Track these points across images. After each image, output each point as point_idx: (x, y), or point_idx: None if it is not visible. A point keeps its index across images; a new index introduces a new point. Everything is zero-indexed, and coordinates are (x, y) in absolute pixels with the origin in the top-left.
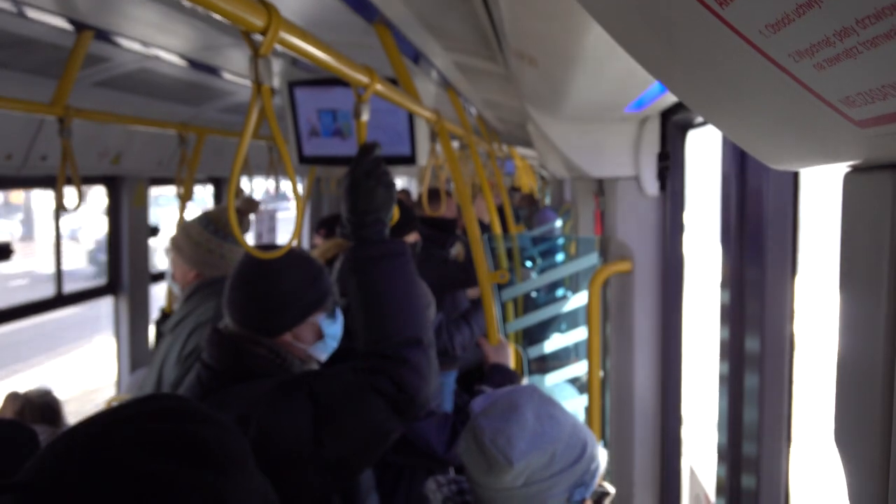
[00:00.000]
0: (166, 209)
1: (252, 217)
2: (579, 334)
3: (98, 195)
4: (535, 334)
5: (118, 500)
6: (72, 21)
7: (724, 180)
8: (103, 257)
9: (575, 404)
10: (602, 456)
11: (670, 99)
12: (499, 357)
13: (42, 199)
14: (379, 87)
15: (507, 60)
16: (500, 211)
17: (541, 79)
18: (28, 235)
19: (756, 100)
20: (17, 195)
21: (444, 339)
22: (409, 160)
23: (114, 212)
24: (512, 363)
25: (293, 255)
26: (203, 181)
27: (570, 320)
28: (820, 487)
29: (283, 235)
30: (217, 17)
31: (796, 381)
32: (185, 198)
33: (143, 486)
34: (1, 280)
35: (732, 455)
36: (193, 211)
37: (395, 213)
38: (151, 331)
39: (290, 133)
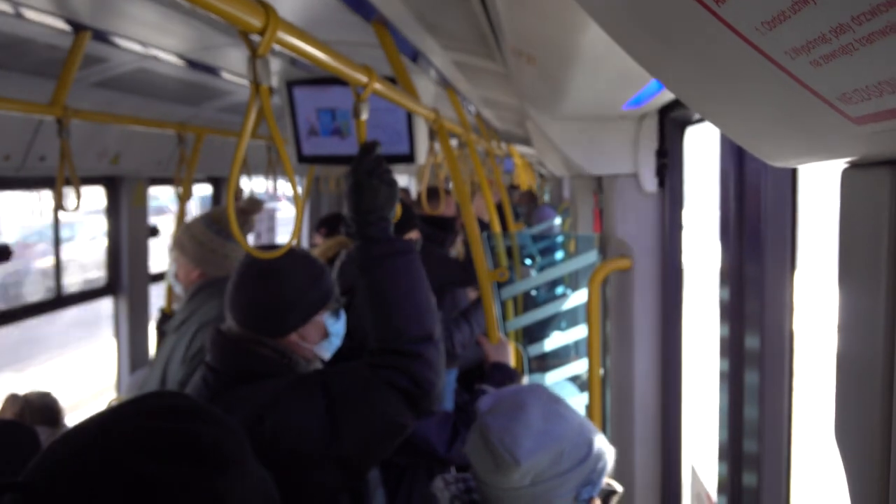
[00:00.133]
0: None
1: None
2: (579, 332)
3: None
4: (535, 332)
5: (114, 501)
6: (69, 21)
7: (723, 176)
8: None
9: (575, 402)
10: (609, 454)
11: (668, 96)
12: (499, 356)
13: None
14: (378, 86)
15: (506, 59)
16: (500, 209)
17: (539, 77)
18: None
19: (753, 97)
20: None
21: (443, 337)
22: (408, 159)
23: (113, 212)
24: (512, 361)
25: (295, 255)
26: (202, 181)
27: (570, 318)
28: (821, 484)
29: (282, 235)
30: (215, 16)
31: (797, 378)
32: (184, 197)
33: (139, 487)
34: None
35: (733, 452)
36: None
37: (398, 210)
38: (152, 331)
39: (289, 132)
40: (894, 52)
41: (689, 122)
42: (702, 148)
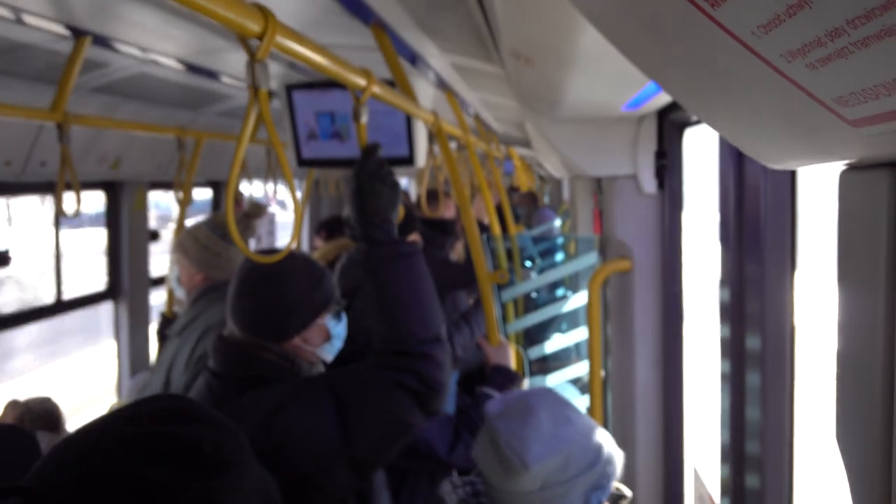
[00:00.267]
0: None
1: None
2: (580, 334)
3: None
4: (535, 335)
5: None
6: (69, 27)
7: (722, 178)
8: None
9: (576, 405)
10: (619, 458)
11: (667, 97)
12: (500, 358)
13: None
14: (376, 89)
15: (504, 61)
16: (499, 211)
17: (537, 79)
18: None
19: (750, 100)
20: None
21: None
22: (407, 162)
23: (113, 217)
24: (513, 364)
25: (296, 259)
26: (202, 185)
27: (571, 320)
28: (824, 485)
29: (282, 239)
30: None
31: (798, 379)
32: (184, 202)
33: (140, 491)
34: None
35: (735, 454)
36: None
37: (401, 211)
38: (152, 335)
39: (288, 136)
40: (890, 55)
41: (688, 123)
42: (701, 149)
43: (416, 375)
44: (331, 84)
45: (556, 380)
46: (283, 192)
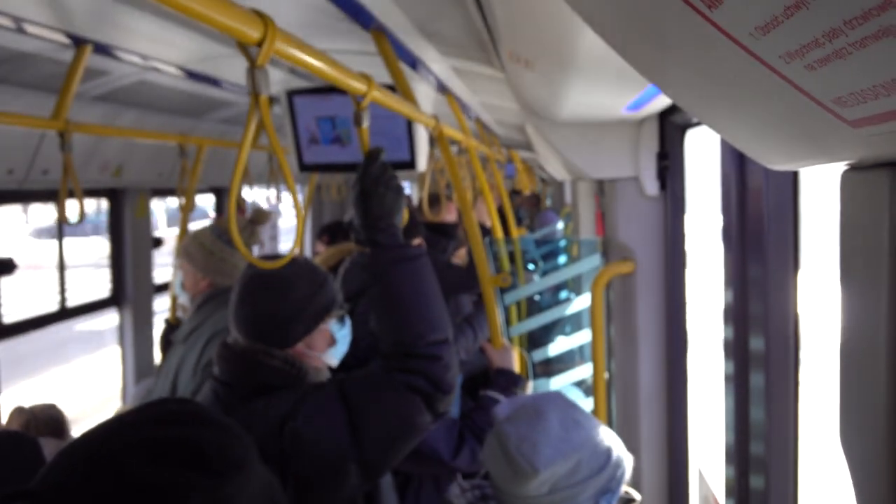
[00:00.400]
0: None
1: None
2: (583, 336)
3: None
4: (539, 337)
5: None
6: (70, 36)
7: (724, 179)
8: None
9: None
10: (628, 462)
11: (667, 99)
12: (503, 361)
13: None
14: (377, 94)
15: (504, 64)
16: (501, 214)
17: (537, 82)
18: None
19: (749, 101)
20: None
21: None
22: (408, 166)
23: (116, 224)
24: (517, 367)
25: (298, 265)
26: (205, 191)
27: (574, 322)
28: (829, 486)
29: (284, 243)
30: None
31: (802, 379)
32: (186, 208)
33: (145, 494)
34: None
35: (740, 455)
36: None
37: (405, 215)
38: (156, 341)
39: (290, 141)
40: (888, 56)
41: (690, 125)
42: (703, 150)
43: (424, 377)
44: (332, 89)
45: (559, 382)
46: (284, 197)
